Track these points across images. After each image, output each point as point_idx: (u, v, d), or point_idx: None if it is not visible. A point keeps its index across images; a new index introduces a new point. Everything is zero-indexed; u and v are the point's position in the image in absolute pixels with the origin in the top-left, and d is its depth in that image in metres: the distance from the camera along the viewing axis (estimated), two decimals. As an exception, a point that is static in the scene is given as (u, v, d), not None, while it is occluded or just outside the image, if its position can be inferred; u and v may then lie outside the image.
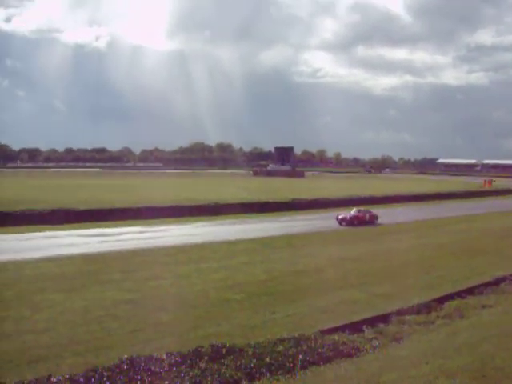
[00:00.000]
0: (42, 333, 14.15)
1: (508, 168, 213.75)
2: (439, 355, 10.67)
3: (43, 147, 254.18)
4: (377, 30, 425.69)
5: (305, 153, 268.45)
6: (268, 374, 10.47)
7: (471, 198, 76.60)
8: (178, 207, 45.26)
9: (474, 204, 64.95)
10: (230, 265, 24.00)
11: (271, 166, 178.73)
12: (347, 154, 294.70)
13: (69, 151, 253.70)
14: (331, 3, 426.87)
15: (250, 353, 11.35)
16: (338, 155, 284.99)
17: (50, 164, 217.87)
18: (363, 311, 16.66)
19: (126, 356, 10.88)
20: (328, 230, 38.23)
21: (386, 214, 50.18)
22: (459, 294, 19.00)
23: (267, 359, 10.98)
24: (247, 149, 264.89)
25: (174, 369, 10.37)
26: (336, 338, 13.04)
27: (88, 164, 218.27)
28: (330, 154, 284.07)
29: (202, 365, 10.62)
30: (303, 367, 10.93)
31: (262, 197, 57.57)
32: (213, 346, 11.65)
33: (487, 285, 20.52)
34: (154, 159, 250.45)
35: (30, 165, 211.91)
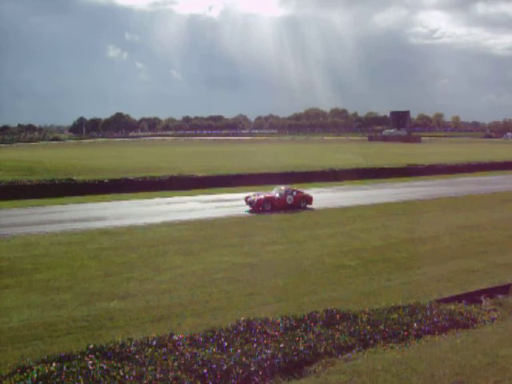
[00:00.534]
0: (163, 293, 14.87)
1: None
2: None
3: (162, 116, 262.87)
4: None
5: (421, 117, 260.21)
6: (382, 342, 10.50)
7: None
8: (292, 173, 45.54)
9: None
10: (344, 231, 24.01)
11: (386, 131, 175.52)
12: (466, 117, 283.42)
13: (186, 120, 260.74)
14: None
15: (364, 319, 11.41)
16: (456, 119, 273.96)
17: (169, 132, 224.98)
18: (482, 281, 16.21)
19: (242, 318, 11.26)
20: (445, 196, 37.20)
21: (508, 181, 48.15)
22: None
23: (381, 326, 11.00)
24: (362, 114, 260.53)
25: (289, 332, 10.62)
26: (452, 307, 12.80)
27: (205, 132, 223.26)
28: (447, 117, 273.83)
29: (317, 329, 10.80)
30: (418, 336, 10.87)
31: (377, 162, 56.83)
32: (327, 311, 11.80)
33: None
34: (269, 126, 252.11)
35: (149, 134, 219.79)
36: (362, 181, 46.07)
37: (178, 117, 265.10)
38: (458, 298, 14.31)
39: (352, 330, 10.80)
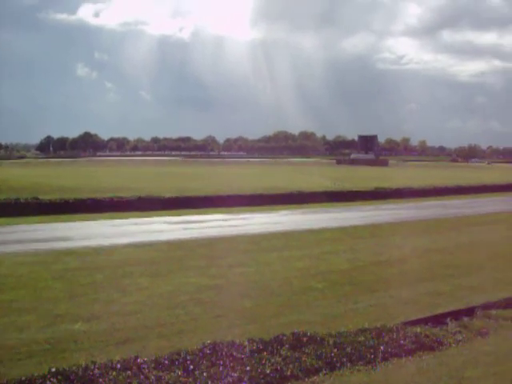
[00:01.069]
0: (129, 315, 14.65)
1: None
2: (527, 352, 10.38)
3: (130, 137, 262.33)
4: (463, 13, 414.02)
5: (388, 141, 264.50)
6: (348, 364, 10.46)
7: None
8: (261, 196, 45.70)
9: None
10: (313, 253, 24.01)
11: (354, 155, 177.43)
12: (432, 142, 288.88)
13: (155, 140, 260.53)
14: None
15: (330, 342, 11.37)
16: (422, 143, 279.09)
17: (137, 153, 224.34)
18: (447, 304, 16.34)
19: (209, 341, 11.13)
20: (413, 219, 37.58)
21: (473, 205, 49.03)
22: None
23: (348, 349, 10.97)
24: (330, 137, 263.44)
25: (256, 355, 10.53)
26: (418, 330, 12.85)
27: (173, 153, 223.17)
28: (414, 142, 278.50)
29: (283, 352, 10.73)
30: (384, 358, 10.86)
31: (346, 185, 57.28)
32: (294, 334, 11.74)
33: None
34: (238, 148, 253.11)
35: (117, 154, 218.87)
36: (330, 204, 46.33)
37: (147, 137, 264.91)
38: (424, 321, 14.38)
39: (319, 352, 10.74)
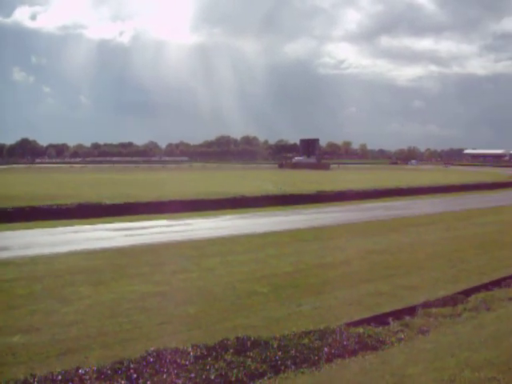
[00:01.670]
0: (70, 325, 14.35)
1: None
2: (465, 348, 10.63)
3: (70, 143, 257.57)
4: (400, 20, 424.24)
5: (330, 145, 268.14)
6: (293, 367, 10.50)
7: (499, 189, 75.67)
8: (203, 201, 45.53)
9: (502, 195, 64.25)
10: (256, 257, 24.07)
11: (296, 159, 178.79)
12: (373, 145, 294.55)
13: (95, 146, 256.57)
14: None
15: (275, 345, 11.40)
16: (363, 147, 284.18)
17: (77, 159, 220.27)
18: (389, 303, 16.64)
19: (152, 348, 11.01)
20: (355, 221, 38.11)
21: (412, 206, 50.11)
22: (486, 287, 18.89)
23: (292, 352, 11.02)
24: (272, 141, 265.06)
25: (200, 361, 10.47)
26: (361, 330, 13.03)
27: (114, 159, 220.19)
28: (355, 145, 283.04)
29: (228, 357, 10.70)
30: (328, 360, 10.95)
31: (288, 189, 57.65)
32: (238, 338, 11.72)
33: (515, 277, 20.31)
34: (180, 153, 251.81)
35: (57, 160, 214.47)
36: (273, 207, 46.52)
37: (87, 143, 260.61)
38: (367, 321, 14.61)
39: (263, 356, 10.76)
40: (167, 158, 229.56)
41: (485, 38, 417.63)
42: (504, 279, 19.92)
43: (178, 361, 10.38)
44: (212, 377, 9.68)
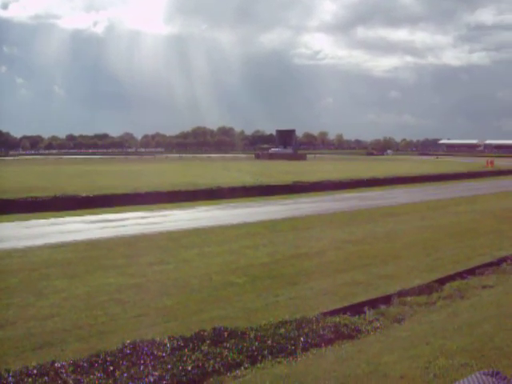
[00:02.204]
0: (46, 319, 14.24)
1: (510, 148, 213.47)
2: (439, 336, 10.76)
3: (45, 134, 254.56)
4: (376, 11, 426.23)
5: (306, 135, 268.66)
6: (270, 357, 10.56)
7: (473, 178, 76.54)
8: (180, 192, 45.36)
9: (476, 185, 65.00)
10: (232, 248, 24.07)
11: (273, 150, 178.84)
12: (349, 135, 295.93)
13: (70, 138, 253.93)
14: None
15: (251, 336, 11.44)
16: (339, 137, 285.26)
17: (52, 151, 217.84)
18: (365, 293, 16.76)
19: (128, 341, 10.98)
20: (331, 212, 38.27)
21: (388, 196, 50.48)
22: (460, 275, 19.13)
23: (269, 342, 11.07)
24: (249, 132, 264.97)
25: (177, 353, 10.47)
26: (337, 320, 13.12)
27: (90, 150, 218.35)
28: (331, 136, 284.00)
29: (205, 348, 10.72)
30: (305, 349, 11.03)
31: (264, 180, 57.71)
32: (215, 329, 11.75)
33: (488, 265, 20.59)
34: (156, 144, 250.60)
35: (31, 152, 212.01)
36: (250, 198, 46.53)
37: (62, 135, 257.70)
38: (343, 310, 14.71)
39: (240, 346, 10.79)
40: (143, 150, 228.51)
41: (459, 29, 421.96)
42: (478, 267, 20.19)
43: (155, 352, 10.38)
44: (189, 368, 9.69)
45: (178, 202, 41.78)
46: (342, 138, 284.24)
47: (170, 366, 9.68)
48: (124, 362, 9.96)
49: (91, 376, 9.33)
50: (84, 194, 41.14)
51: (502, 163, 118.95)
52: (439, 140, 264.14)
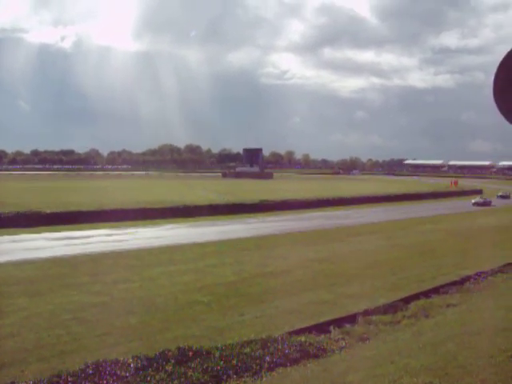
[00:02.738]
0: (6, 338, 13.93)
1: (474, 169, 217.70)
2: (404, 354, 10.79)
3: (8, 149, 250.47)
4: (343, 32, 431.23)
5: (273, 154, 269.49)
6: (235, 377, 10.46)
7: (438, 198, 77.67)
8: (146, 209, 45.07)
9: (440, 205, 65.92)
10: (198, 267, 23.95)
11: (240, 168, 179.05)
12: (316, 155, 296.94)
13: (35, 153, 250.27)
14: (298, 5, 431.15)
15: (216, 355, 11.34)
16: (306, 156, 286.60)
17: (16, 166, 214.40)
18: (330, 312, 16.77)
19: (91, 361, 10.78)
20: (297, 231, 38.36)
21: (354, 215, 50.79)
22: (425, 294, 19.28)
23: (234, 361, 10.98)
24: (216, 150, 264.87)
25: (141, 372, 10.31)
26: (303, 339, 13.09)
27: (55, 166, 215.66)
28: (298, 155, 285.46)
29: (169, 368, 10.58)
30: (270, 369, 10.95)
31: (231, 198, 57.66)
32: (179, 348, 11.61)
33: (452, 284, 20.83)
34: (122, 161, 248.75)
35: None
36: (216, 217, 46.44)
37: (26, 150, 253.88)
38: (308, 329, 14.68)
39: (205, 366, 10.68)
40: (109, 166, 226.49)
41: (424, 51, 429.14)
42: (442, 286, 20.41)
43: (118, 373, 10.20)
44: (153, 388, 9.55)
45: (143, 220, 41.50)
46: (308, 158, 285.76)
47: (133, 387, 9.53)
48: (86, 383, 9.76)
49: (52, 397, 9.13)
50: (49, 211, 40.57)
51: (466, 183, 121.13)
52: (405, 160, 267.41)
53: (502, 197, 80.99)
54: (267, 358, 11.31)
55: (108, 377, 10.00)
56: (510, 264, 24.30)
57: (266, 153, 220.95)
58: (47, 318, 15.85)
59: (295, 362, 11.51)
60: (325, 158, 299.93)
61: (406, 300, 18.23)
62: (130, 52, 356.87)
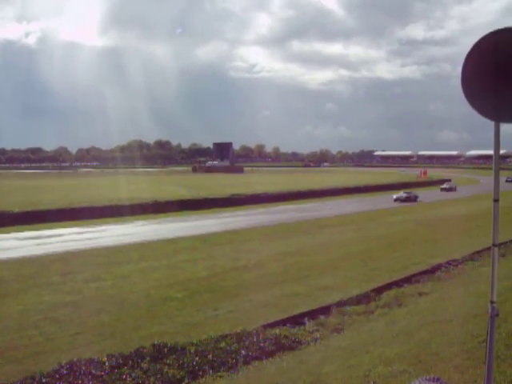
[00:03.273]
0: (-24, 341, 13.73)
1: (442, 158, 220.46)
2: (378, 344, 10.87)
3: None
4: (311, 25, 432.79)
5: (243, 148, 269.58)
6: (211, 372, 10.46)
7: (407, 188, 78.31)
8: (116, 206, 44.74)
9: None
10: (170, 263, 23.86)
11: (210, 163, 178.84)
12: (286, 148, 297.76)
13: (2, 152, 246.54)
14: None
15: (192, 351, 11.32)
16: (276, 150, 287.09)
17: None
18: (304, 304, 16.84)
19: (65, 361, 10.68)
20: (267, 224, 38.41)
21: (325, 207, 51.03)
22: (397, 283, 19.47)
23: (210, 356, 10.98)
24: (185, 145, 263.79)
25: (116, 371, 10.24)
26: (278, 332, 13.12)
27: (23, 165, 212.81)
28: (268, 148, 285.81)
29: (144, 365, 10.53)
30: (246, 362, 10.98)
31: (202, 193, 57.53)
32: (154, 345, 11.56)
33: (424, 273, 21.07)
34: (91, 158, 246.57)
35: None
36: (188, 212, 46.32)
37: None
38: (283, 322, 14.72)
39: (180, 362, 10.66)
40: (78, 164, 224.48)
41: (391, 43, 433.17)
42: (414, 276, 20.62)
43: (93, 372, 10.13)
44: (128, 386, 9.49)
45: (114, 217, 41.15)
46: (278, 151, 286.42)
47: (108, 385, 9.46)
48: (61, 383, 9.66)
49: (26, 398, 9.02)
50: (17, 210, 40.03)
51: (435, 173, 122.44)
52: (374, 151, 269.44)
53: (446, 189, 76.61)
54: (243, 352, 11.33)
55: (83, 376, 9.93)
56: (478, 252, 24.65)
57: (236, 147, 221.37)
58: (18, 318, 15.64)
59: (271, 354, 11.54)
60: (295, 151, 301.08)
61: (379, 290, 18.38)
62: (96, 47, 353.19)
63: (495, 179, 3.91)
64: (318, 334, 13.56)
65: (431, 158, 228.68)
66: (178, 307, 16.76)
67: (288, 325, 14.45)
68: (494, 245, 3.98)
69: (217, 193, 58.65)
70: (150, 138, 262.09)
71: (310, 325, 14.74)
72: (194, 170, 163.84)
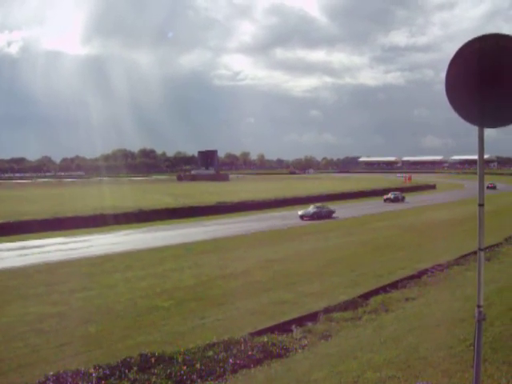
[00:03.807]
0: (-39, 353, 13.57)
1: (427, 164, 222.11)
2: (367, 350, 10.88)
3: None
4: (294, 33, 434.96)
5: (228, 156, 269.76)
6: (199, 381, 10.41)
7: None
8: (101, 216, 44.51)
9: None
10: (157, 272, 23.75)
11: (195, 171, 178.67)
12: (271, 155, 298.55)
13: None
14: (248, 6, 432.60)
15: (179, 360, 11.25)
16: (261, 157, 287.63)
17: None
18: (292, 311, 16.82)
19: (51, 372, 10.57)
20: (255, 231, 38.39)
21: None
22: (384, 289, 19.53)
23: (197, 365, 10.92)
24: (170, 154, 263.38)
25: (103, 382, 10.16)
26: (266, 339, 13.09)
27: (6, 175, 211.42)
28: (253, 156, 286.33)
29: (132, 375, 10.45)
30: (234, 371, 10.93)
31: (187, 202, 57.41)
32: (142, 355, 11.49)
33: (410, 278, 21.14)
34: (76, 168, 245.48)
35: None
36: (173, 220, 46.23)
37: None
38: (270, 330, 14.69)
39: (168, 371, 10.60)
40: (62, 173, 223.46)
41: (374, 50, 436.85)
42: (400, 281, 20.68)
43: (80, 383, 10.03)
44: (115, 397, 9.42)
45: (99, 227, 40.98)
46: (263, 158, 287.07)
47: (95, 396, 9.38)
48: (47, 395, 9.57)
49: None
50: (0, 221, 39.71)
51: (419, 178, 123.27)
52: (359, 158, 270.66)
53: (390, 200, 67.00)
54: (230, 361, 11.28)
55: (69, 388, 9.84)
56: (463, 256, 24.79)
57: (221, 154, 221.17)
58: (4, 330, 15.49)
59: (259, 362, 11.51)
60: (280, 158, 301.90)
61: (366, 296, 18.42)
62: (80, 56, 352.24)
63: (480, 184, 3.93)
64: (305, 341, 13.54)
65: (416, 163, 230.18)
66: (164, 316, 16.67)
67: (276, 332, 14.42)
68: (480, 249, 4.00)
69: (203, 201, 58.58)
70: (135, 146, 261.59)
71: (297, 332, 14.72)
72: (179, 179, 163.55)
